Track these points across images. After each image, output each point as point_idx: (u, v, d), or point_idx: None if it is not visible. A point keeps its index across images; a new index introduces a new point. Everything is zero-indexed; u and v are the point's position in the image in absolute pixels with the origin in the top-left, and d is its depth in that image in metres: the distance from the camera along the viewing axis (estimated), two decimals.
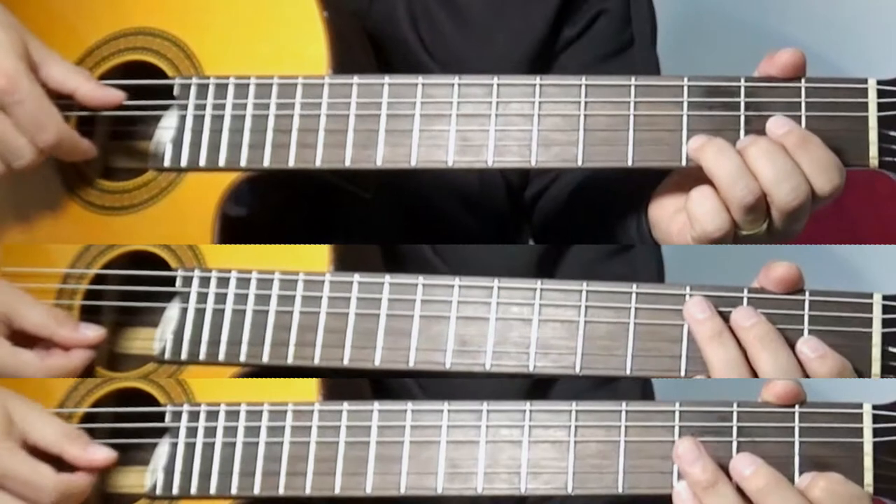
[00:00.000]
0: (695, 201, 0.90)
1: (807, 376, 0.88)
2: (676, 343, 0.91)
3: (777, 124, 0.91)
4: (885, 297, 0.90)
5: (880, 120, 0.91)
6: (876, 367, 0.89)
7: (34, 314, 0.95)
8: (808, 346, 0.88)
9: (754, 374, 0.88)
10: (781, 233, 0.91)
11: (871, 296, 0.90)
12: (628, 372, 0.91)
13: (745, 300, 0.90)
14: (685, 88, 0.93)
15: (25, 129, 0.93)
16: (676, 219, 0.95)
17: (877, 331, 0.89)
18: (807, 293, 0.90)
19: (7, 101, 0.92)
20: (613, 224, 1.03)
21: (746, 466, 0.86)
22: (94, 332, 0.96)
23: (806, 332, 0.89)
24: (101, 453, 0.93)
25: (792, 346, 0.88)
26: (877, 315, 0.89)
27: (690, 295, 0.91)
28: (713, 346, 0.88)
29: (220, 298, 0.96)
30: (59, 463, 0.92)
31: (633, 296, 0.92)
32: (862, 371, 0.89)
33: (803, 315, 0.89)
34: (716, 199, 0.90)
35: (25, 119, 0.92)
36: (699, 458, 0.86)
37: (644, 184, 0.99)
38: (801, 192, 0.89)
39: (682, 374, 0.90)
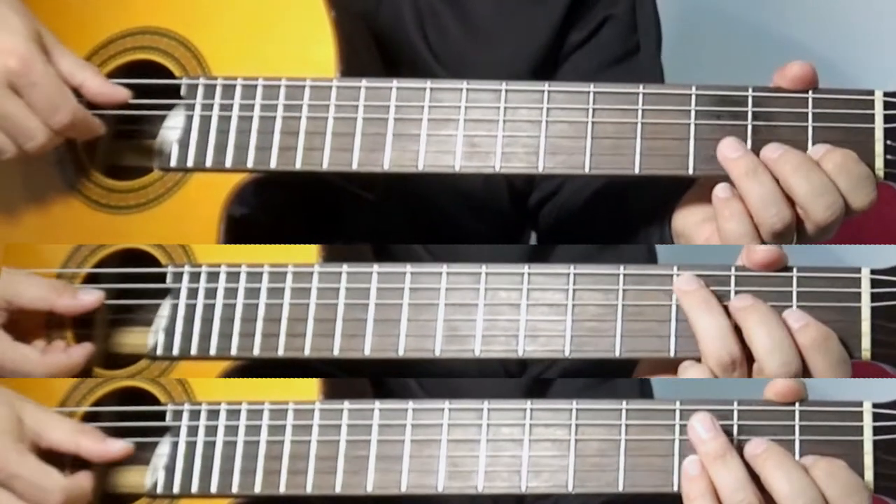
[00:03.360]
0: (725, 220, 0.91)
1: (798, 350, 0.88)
2: (665, 323, 0.91)
3: (815, 149, 0.91)
4: (873, 272, 0.90)
5: (886, 132, 0.91)
6: (866, 341, 0.89)
7: (32, 289, 0.96)
8: (792, 317, 0.88)
9: (741, 347, 0.88)
10: (809, 243, 0.91)
11: (859, 270, 0.90)
12: (618, 353, 0.91)
13: (732, 279, 0.90)
14: (693, 97, 0.93)
15: (39, 111, 0.92)
16: (703, 228, 0.95)
17: (865, 305, 0.89)
18: (794, 270, 0.90)
19: (21, 83, 0.92)
20: (635, 234, 1.03)
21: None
22: (92, 297, 0.96)
23: (794, 308, 0.89)
24: (118, 445, 0.93)
25: None
26: (865, 289, 0.89)
27: (678, 275, 0.91)
28: (699, 313, 0.89)
29: (211, 293, 0.96)
30: (69, 465, 0.92)
31: (621, 277, 0.92)
32: (851, 346, 0.89)
33: (791, 292, 0.90)
34: (747, 222, 0.90)
35: (39, 101, 0.92)
36: (711, 429, 0.86)
37: (665, 193, 0.99)
38: (837, 207, 0.89)
39: (672, 353, 0.90)
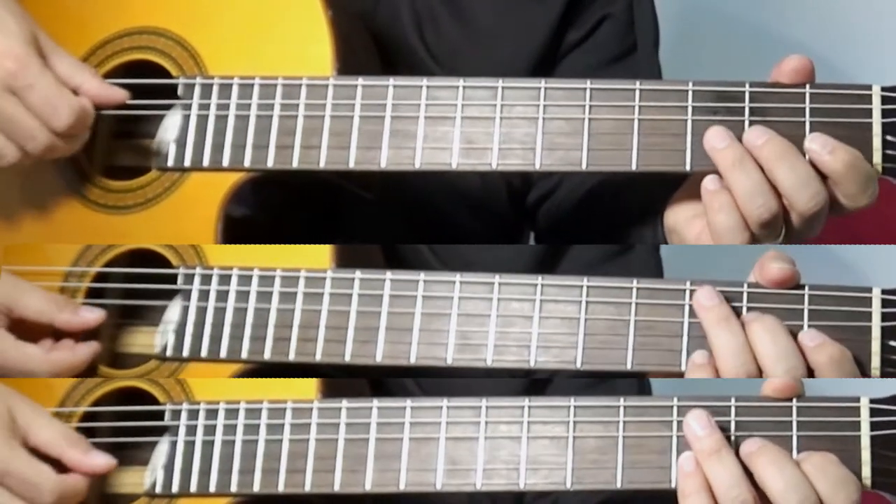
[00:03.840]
0: (714, 212, 0.91)
1: (809, 367, 0.88)
2: (677, 338, 0.91)
3: (817, 142, 0.91)
4: (884, 291, 0.90)
5: (884, 126, 0.91)
6: (875, 360, 0.89)
7: (34, 301, 0.96)
8: (807, 336, 0.88)
9: (757, 364, 0.88)
10: (798, 236, 0.91)
11: (869, 290, 0.90)
12: (629, 366, 0.91)
13: (744, 295, 0.91)
14: (690, 93, 0.93)
15: (38, 113, 0.92)
16: (694, 224, 0.95)
17: (876, 324, 0.89)
18: (806, 288, 0.91)
19: (18, 84, 0.91)
20: (629, 232, 1.04)
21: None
22: (94, 315, 0.96)
23: (805, 326, 0.89)
24: (101, 459, 0.93)
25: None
26: (876, 309, 0.90)
27: (691, 290, 0.91)
28: (719, 330, 0.89)
29: (222, 296, 0.96)
30: (58, 465, 0.92)
31: (634, 291, 0.92)
32: (862, 364, 0.89)
33: (803, 310, 0.90)
34: (736, 214, 0.90)
35: (37, 102, 0.92)
36: (706, 426, 0.86)
37: (658, 191, 0.99)
38: (820, 198, 0.89)
39: (683, 368, 0.90)
